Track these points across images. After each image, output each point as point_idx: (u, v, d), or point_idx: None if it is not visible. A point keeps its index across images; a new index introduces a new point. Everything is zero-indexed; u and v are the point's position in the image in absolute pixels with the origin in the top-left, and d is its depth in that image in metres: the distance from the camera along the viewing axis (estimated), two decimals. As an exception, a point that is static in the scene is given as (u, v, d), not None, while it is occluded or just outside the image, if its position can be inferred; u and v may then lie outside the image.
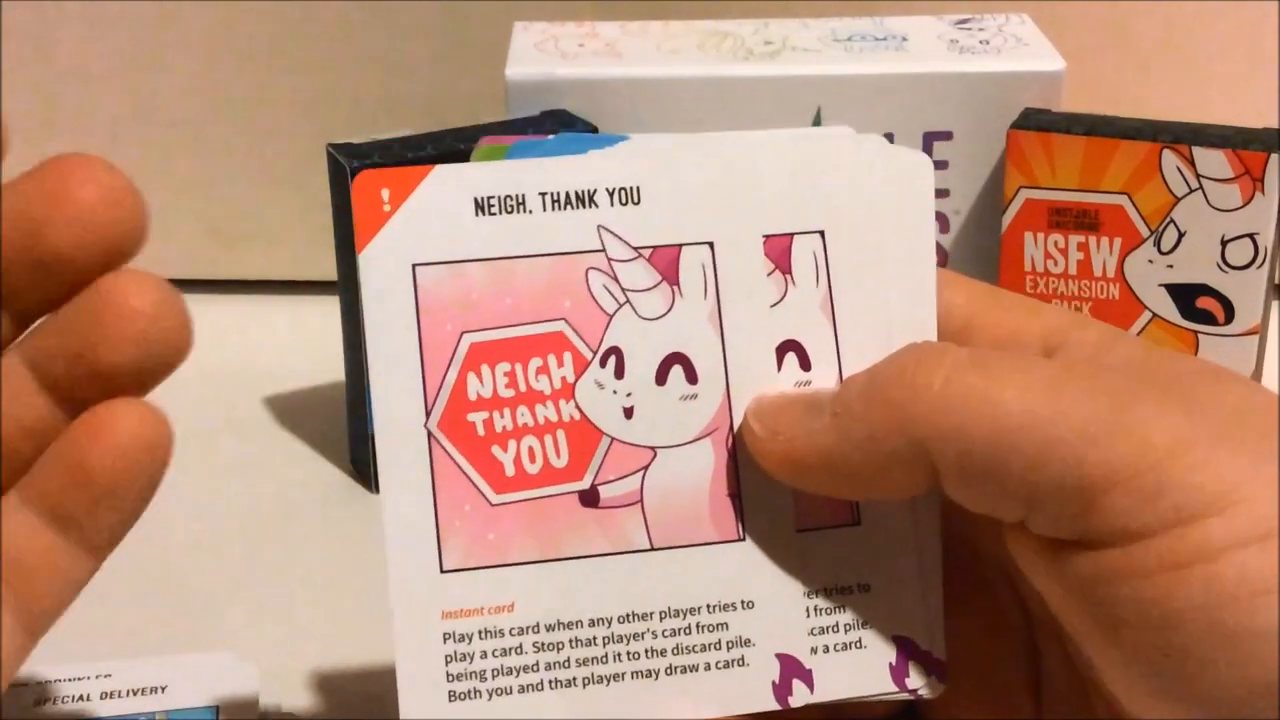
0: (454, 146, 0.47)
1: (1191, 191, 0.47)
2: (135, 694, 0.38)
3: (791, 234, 0.30)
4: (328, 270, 0.49)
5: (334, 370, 0.51)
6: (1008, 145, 0.48)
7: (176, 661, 0.39)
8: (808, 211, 0.30)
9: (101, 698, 0.38)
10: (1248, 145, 0.46)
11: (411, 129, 0.48)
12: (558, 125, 0.48)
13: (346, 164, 0.46)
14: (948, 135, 0.50)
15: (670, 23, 0.53)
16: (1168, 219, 0.47)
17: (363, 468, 0.50)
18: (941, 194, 0.51)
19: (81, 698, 0.38)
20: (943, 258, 0.52)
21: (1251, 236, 0.47)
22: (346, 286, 0.48)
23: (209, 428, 0.54)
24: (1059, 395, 0.26)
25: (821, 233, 0.30)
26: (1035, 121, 0.48)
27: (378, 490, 0.49)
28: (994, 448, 0.26)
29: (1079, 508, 0.25)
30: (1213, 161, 0.46)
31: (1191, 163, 0.46)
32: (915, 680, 0.30)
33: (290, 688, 0.41)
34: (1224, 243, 0.47)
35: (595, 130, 0.49)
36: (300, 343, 0.59)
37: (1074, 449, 0.25)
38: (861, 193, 0.30)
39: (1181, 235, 0.47)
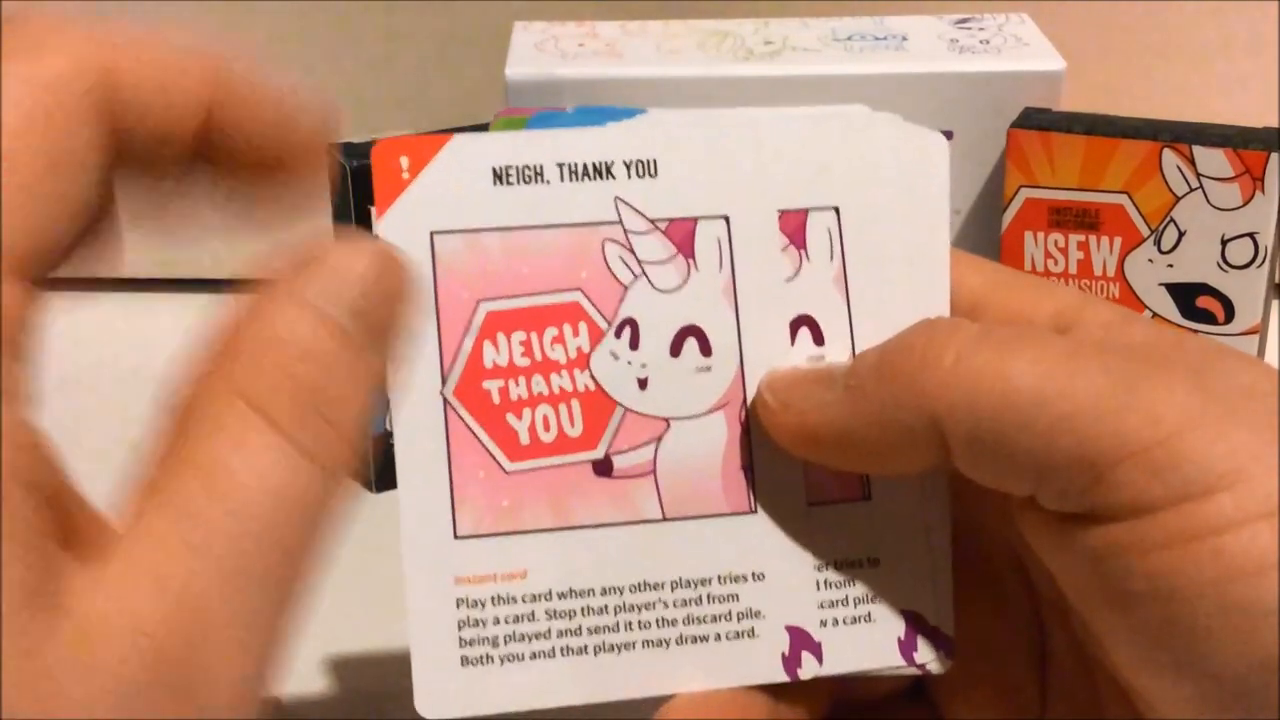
0: (454, 146, 0.47)
1: (1192, 191, 0.47)
2: (135, 694, 0.38)
3: (806, 209, 0.30)
4: (328, 270, 0.49)
5: (334, 370, 0.51)
6: (1008, 145, 0.48)
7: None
8: (823, 188, 0.30)
9: (101, 697, 0.38)
10: (1248, 144, 0.46)
11: (411, 129, 0.48)
12: (558, 125, 0.48)
13: (346, 164, 0.46)
14: (948, 135, 0.50)
15: (670, 22, 0.53)
16: (1168, 218, 0.47)
17: (363, 468, 0.50)
18: (941, 194, 0.51)
19: (81, 697, 0.38)
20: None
21: (1252, 236, 0.47)
22: (346, 286, 0.48)
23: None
24: (1071, 371, 0.26)
25: (836, 209, 0.30)
26: (1035, 121, 0.48)
27: (376, 490, 0.49)
28: (1005, 422, 0.26)
29: (1088, 481, 0.25)
30: (1213, 161, 0.46)
31: (1192, 162, 0.46)
32: (923, 655, 0.30)
33: (290, 686, 0.41)
34: (1224, 242, 0.47)
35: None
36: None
37: (1085, 423, 0.25)
38: (877, 170, 0.30)
39: (1182, 234, 0.47)
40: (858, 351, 0.30)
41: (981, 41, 0.51)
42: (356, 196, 0.46)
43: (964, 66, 0.50)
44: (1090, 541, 0.26)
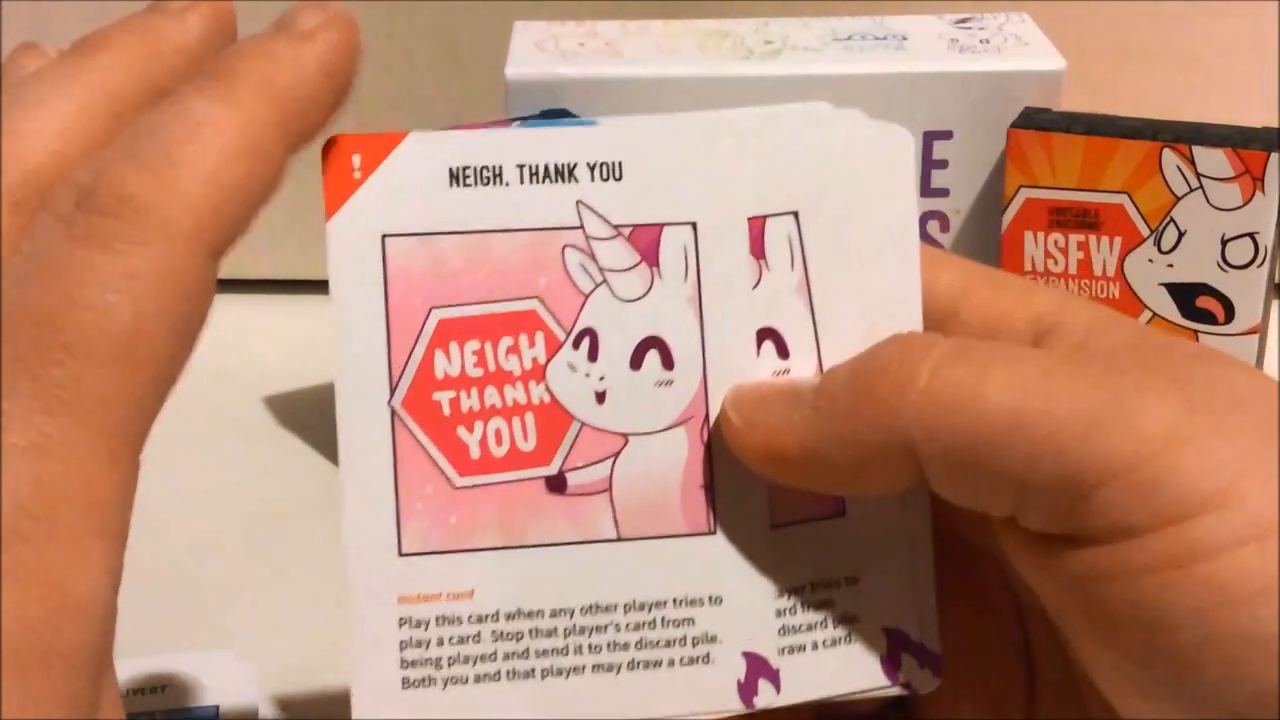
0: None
1: (1192, 190, 0.47)
2: (135, 694, 0.38)
3: (764, 216, 0.28)
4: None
5: (334, 370, 0.51)
6: (1008, 144, 0.48)
7: (176, 661, 0.39)
8: (781, 191, 0.28)
9: (101, 697, 0.38)
10: (1248, 144, 0.46)
11: (411, 129, 0.48)
12: (557, 125, 0.48)
13: (346, 164, 0.46)
14: (948, 135, 0.50)
15: (670, 22, 0.53)
16: (1168, 218, 0.47)
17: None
18: (941, 194, 0.51)
19: (81, 697, 0.38)
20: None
21: (1252, 236, 0.47)
22: (346, 286, 0.48)
23: (209, 428, 0.54)
24: (1049, 388, 0.25)
25: (795, 214, 0.28)
26: (1035, 121, 0.48)
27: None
28: (982, 444, 0.25)
29: (1070, 503, 0.24)
30: (1213, 160, 0.46)
31: (1192, 162, 0.46)
32: (907, 673, 0.29)
33: (289, 685, 0.41)
34: (1224, 242, 0.47)
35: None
36: (300, 343, 0.59)
37: (1065, 444, 0.24)
38: (837, 170, 0.28)
39: (1182, 234, 0.47)
40: (825, 364, 0.28)
41: (981, 41, 0.51)
42: (356, 196, 0.46)
43: (964, 66, 0.50)
44: (1073, 565, 0.25)
